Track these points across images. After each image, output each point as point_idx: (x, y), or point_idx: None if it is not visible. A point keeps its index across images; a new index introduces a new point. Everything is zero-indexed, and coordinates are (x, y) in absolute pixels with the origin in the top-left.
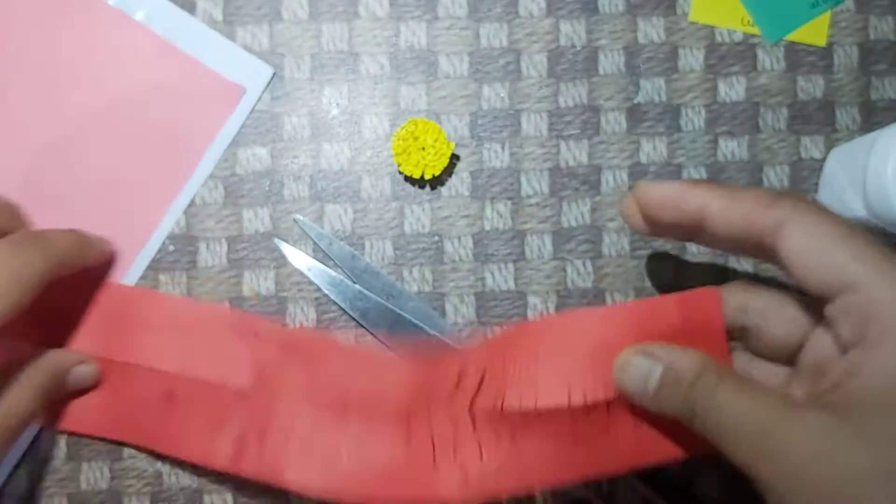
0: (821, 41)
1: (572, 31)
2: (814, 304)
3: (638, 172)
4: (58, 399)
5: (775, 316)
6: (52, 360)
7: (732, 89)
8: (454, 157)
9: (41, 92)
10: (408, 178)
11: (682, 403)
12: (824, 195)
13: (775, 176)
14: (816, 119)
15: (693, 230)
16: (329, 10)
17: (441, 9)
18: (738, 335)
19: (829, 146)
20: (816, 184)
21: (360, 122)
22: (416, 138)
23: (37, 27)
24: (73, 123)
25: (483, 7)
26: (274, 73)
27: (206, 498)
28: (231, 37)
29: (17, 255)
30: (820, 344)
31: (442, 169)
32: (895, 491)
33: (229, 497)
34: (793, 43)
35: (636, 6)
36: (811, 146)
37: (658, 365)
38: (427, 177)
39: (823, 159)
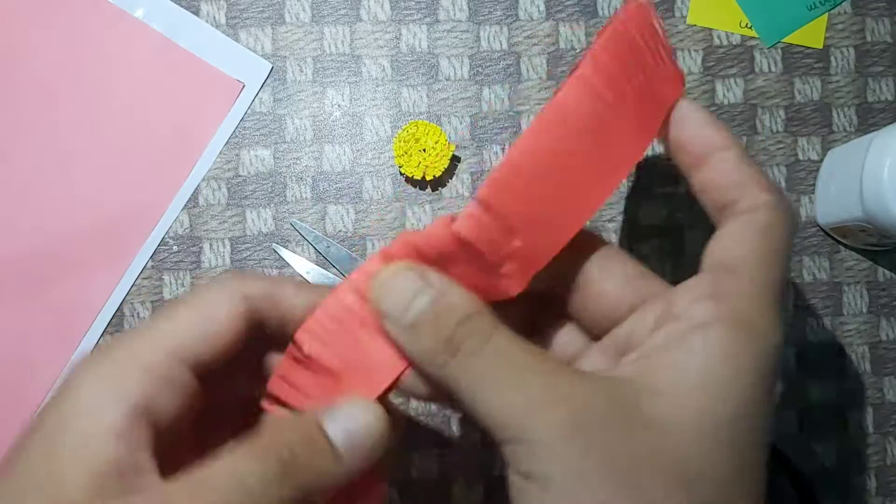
0: (818, 43)
1: (572, 34)
2: (651, 280)
3: (637, 173)
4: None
5: (614, 274)
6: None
7: (730, 91)
8: (455, 159)
9: (41, 88)
10: (409, 180)
11: (444, 340)
12: (821, 196)
13: (773, 177)
14: (813, 121)
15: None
16: (331, 13)
17: (442, 12)
18: (571, 286)
19: (826, 148)
20: (813, 185)
21: (361, 124)
22: (417, 140)
23: (37, 24)
24: (72, 119)
25: (483, 10)
26: (272, 68)
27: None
28: (234, 39)
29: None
30: (641, 325)
31: (443, 170)
32: (649, 484)
33: None
34: (790, 45)
35: None
36: (808, 147)
37: (429, 290)
38: (428, 178)
39: (820, 161)
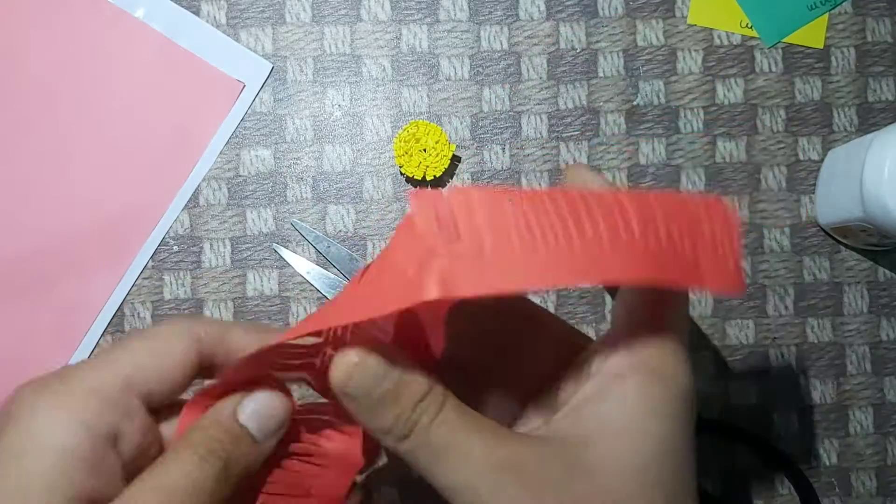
0: (818, 43)
1: (572, 34)
2: (579, 339)
3: (637, 173)
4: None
5: (545, 341)
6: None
7: (731, 91)
8: (455, 159)
9: (41, 89)
10: (409, 180)
11: (402, 419)
12: (821, 196)
13: (773, 177)
14: (814, 121)
15: None
16: (331, 13)
17: (442, 12)
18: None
19: (827, 147)
20: (813, 185)
21: (362, 124)
22: (417, 140)
23: (37, 24)
24: (73, 120)
25: (484, 10)
26: (272, 68)
27: None
28: (235, 39)
29: None
30: (569, 384)
31: (443, 170)
32: None
33: None
34: (790, 45)
35: (635, 9)
36: (808, 147)
37: (392, 373)
38: (428, 178)
39: (821, 161)
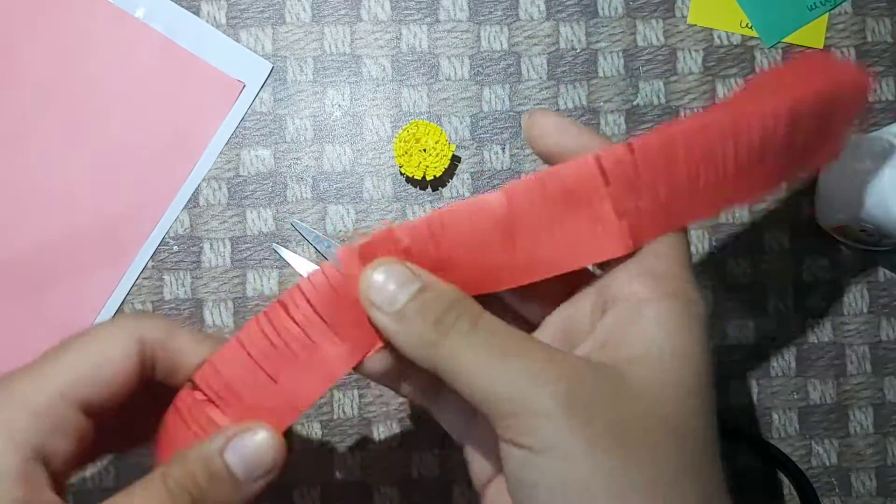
0: (818, 43)
1: (572, 34)
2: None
3: None
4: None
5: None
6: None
7: (731, 91)
8: (455, 159)
9: (41, 88)
10: (409, 180)
11: (434, 322)
12: (821, 196)
13: None
14: None
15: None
16: (331, 13)
17: (442, 12)
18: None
19: None
20: (813, 185)
21: (362, 124)
22: (417, 140)
23: (37, 25)
24: (73, 120)
25: (484, 10)
26: (272, 68)
27: None
28: (235, 39)
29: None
30: (579, 313)
31: (443, 170)
32: (650, 443)
33: None
34: (790, 45)
35: (635, 9)
36: None
37: (416, 279)
38: (428, 178)
39: None
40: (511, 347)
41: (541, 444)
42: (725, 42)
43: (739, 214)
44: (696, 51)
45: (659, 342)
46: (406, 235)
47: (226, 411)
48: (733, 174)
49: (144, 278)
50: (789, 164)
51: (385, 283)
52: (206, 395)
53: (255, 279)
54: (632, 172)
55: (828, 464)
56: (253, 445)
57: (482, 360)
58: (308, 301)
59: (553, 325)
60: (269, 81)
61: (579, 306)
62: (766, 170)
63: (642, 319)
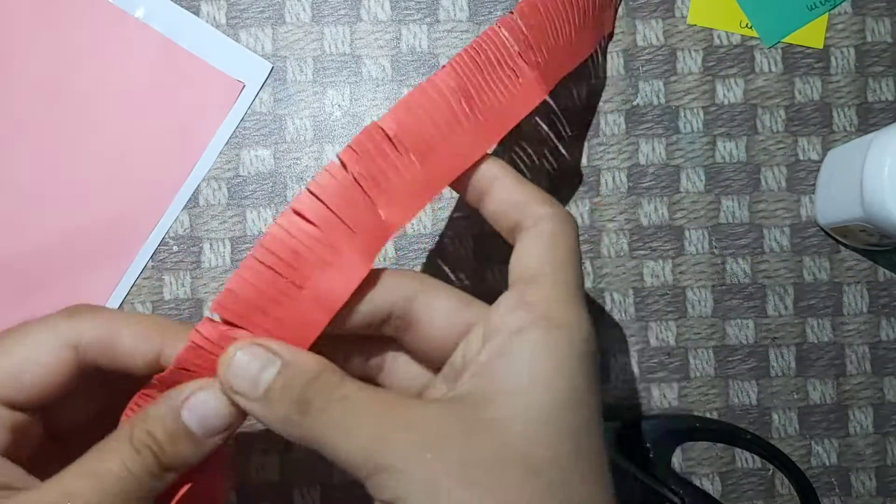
0: (818, 43)
1: None
2: (474, 305)
3: (636, 173)
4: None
5: (440, 308)
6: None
7: (730, 91)
8: None
9: (41, 89)
10: None
11: (295, 402)
12: (821, 196)
13: (773, 177)
14: (813, 121)
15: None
16: (331, 13)
17: (442, 12)
18: (401, 326)
19: (827, 148)
20: (813, 185)
21: (361, 125)
22: None
23: (37, 25)
24: (72, 120)
25: (483, 10)
26: (272, 69)
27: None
28: (234, 39)
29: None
30: (470, 348)
31: None
32: (498, 479)
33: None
34: (790, 45)
35: (635, 9)
36: (808, 148)
37: (276, 360)
38: None
39: (820, 161)
40: (364, 413)
41: (396, 497)
42: (725, 42)
43: (739, 214)
44: (696, 51)
45: (520, 373)
46: (393, 122)
47: (254, 331)
48: (577, 33)
49: (144, 278)
50: (596, 32)
51: (243, 370)
52: (227, 321)
53: None
54: (523, 35)
55: (828, 464)
56: (211, 402)
57: (340, 433)
58: (321, 200)
59: (450, 363)
60: (268, 81)
61: (470, 339)
62: (589, 35)
63: (509, 353)
